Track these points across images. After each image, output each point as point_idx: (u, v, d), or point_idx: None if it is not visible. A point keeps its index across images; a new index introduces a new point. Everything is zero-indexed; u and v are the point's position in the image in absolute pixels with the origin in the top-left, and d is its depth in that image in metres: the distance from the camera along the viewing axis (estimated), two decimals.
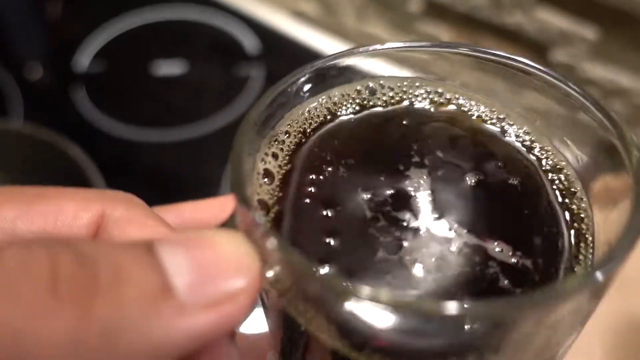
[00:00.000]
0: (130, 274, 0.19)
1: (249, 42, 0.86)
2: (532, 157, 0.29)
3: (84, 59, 0.84)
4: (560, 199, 0.28)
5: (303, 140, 0.28)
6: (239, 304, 0.20)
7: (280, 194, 0.26)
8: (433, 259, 0.25)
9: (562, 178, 0.28)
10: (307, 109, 0.29)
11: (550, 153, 0.29)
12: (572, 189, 0.28)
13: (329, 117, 0.29)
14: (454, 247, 0.25)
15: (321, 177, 0.27)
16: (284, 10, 0.89)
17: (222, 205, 0.30)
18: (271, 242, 0.21)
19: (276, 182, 0.27)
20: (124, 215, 0.25)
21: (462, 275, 0.24)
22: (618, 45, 0.65)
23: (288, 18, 0.89)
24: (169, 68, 0.83)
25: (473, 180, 0.27)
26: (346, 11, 0.84)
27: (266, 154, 0.27)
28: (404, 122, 0.29)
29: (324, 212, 0.25)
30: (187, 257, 0.20)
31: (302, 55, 0.84)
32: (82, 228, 0.24)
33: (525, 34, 0.77)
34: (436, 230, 0.25)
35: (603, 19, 0.69)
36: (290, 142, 0.28)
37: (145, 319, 0.18)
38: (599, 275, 0.20)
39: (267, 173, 0.27)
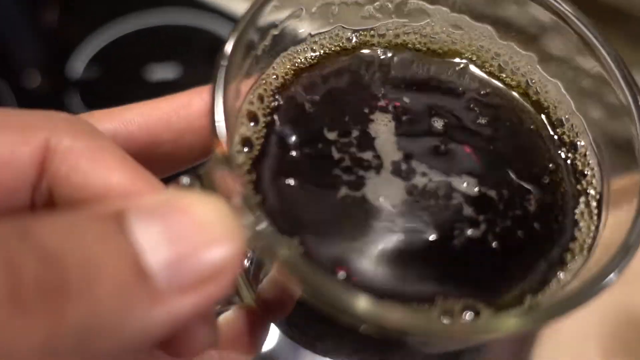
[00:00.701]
0: (100, 264, 0.16)
1: None
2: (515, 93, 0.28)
3: (78, 65, 0.84)
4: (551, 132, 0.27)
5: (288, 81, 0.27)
6: (220, 282, 0.18)
7: (263, 137, 0.25)
8: (396, 193, 0.24)
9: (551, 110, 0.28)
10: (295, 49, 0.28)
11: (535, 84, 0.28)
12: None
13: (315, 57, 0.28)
14: (419, 182, 0.25)
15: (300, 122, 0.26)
16: None
17: (185, 100, 0.27)
18: (250, 220, 0.19)
19: (261, 124, 0.25)
20: (73, 145, 0.21)
21: (427, 208, 0.24)
22: (612, 41, 0.65)
23: None
24: (163, 72, 0.82)
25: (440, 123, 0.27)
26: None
27: (252, 95, 0.26)
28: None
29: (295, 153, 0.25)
30: (162, 230, 0.17)
31: None
32: (24, 164, 0.21)
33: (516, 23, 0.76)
34: (402, 169, 0.25)
35: (598, 15, 0.69)
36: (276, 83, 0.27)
37: (119, 314, 0.16)
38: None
39: (253, 115, 0.26)
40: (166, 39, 0.86)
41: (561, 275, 0.24)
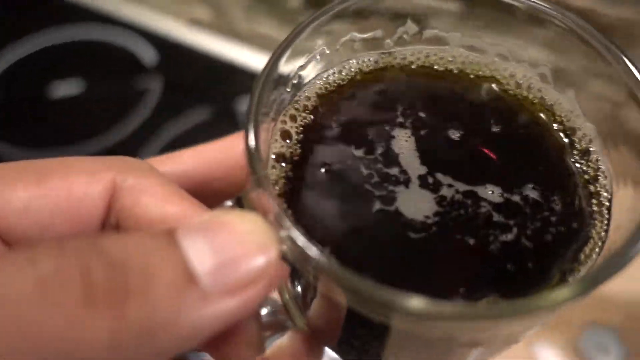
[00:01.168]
0: (157, 270, 0.19)
1: (146, 54, 0.84)
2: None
3: None
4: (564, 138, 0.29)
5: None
6: (259, 286, 0.21)
7: (298, 154, 0.28)
8: (427, 205, 0.26)
9: (563, 118, 0.30)
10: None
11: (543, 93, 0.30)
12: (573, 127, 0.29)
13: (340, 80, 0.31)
14: (447, 193, 0.27)
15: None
16: (178, 19, 0.88)
17: (232, 140, 0.30)
18: (284, 231, 0.22)
19: (294, 139, 0.28)
20: (136, 183, 0.25)
21: (457, 217, 0.26)
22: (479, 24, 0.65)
23: (183, 26, 0.87)
24: (67, 89, 0.82)
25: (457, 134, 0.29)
26: (236, 14, 0.84)
27: (284, 115, 0.29)
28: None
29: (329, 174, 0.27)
30: (207, 242, 0.20)
31: (199, 62, 0.83)
32: (95, 201, 0.25)
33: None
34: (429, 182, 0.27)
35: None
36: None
37: (174, 313, 0.19)
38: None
39: (286, 133, 0.28)
40: (68, 55, 0.86)
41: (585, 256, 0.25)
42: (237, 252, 0.20)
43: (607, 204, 0.27)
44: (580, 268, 0.25)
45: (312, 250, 0.21)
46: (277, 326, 0.31)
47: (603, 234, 0.26)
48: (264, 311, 0.31)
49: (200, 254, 0.20)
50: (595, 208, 0.27)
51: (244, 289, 0.20)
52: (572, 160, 0.28)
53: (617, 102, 0.27)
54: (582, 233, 0.26)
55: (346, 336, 0.28)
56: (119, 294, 0.18)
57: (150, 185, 0.25)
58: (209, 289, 0.20)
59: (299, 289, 0.29)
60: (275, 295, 0.31)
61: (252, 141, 0.23)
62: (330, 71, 0.30)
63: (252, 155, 0.23)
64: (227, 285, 0.20)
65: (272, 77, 0.25)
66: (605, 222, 0.27)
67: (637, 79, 0.25)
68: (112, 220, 0.26)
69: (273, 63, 0.25)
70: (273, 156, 0.27)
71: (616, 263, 0.22)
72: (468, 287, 0.24)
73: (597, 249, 0.26)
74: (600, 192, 0.27)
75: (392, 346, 0.27)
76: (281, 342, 0.31)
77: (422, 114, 0.29)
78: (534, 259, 0.25)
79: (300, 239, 0.21)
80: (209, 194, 0.29)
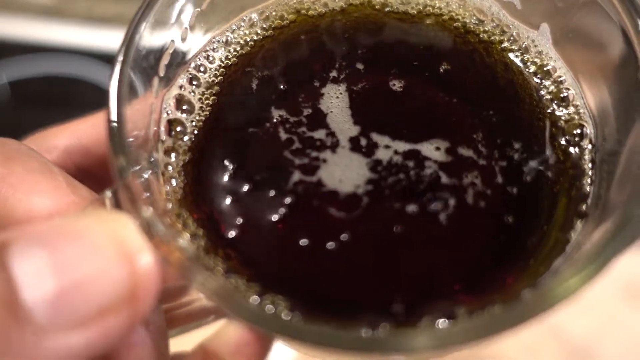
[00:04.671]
0: None
1: None
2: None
3: None
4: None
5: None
6: (122, 314, 0.16)
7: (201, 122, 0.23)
8: (358, 174, 0.21)
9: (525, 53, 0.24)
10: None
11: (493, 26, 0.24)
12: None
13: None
14: (382, 157, 0.21)
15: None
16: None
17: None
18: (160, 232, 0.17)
19: (196, 105, 0.23)
20: (1, 173, 0.20)
21: (397, 183, 0.21)
22: None
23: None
24: None
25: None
26: None
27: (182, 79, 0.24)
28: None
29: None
30: (49, 258, 0.15)
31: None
32: None
33: None
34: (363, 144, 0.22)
35: None
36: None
37: None
38: None
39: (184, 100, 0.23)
40: None
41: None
42: (88, 269, 0.15)
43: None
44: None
45: (192, 270, 0.17)
46: (213, 311, 0.25)
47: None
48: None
49: (35, 278, 0.15)
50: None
51: (96, 320, 0.15)
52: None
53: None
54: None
55: None
56: None
57: (15, 173, 0.20)
58: (47, 323, 0.15)
59: None
60: None
61: (113, 116, 0.18)
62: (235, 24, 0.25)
63: (114, 139, 0.18)
64: (72, 317, 0.15)
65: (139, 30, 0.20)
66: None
67: None
68: None
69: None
70: (163, 128, 0.22)
71: None
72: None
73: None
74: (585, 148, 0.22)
75: None
76: (222, 328, 0.25)
77: (353, 64, 0.23)
78: (501, 235, 0.20)
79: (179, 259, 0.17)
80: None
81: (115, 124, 0.18)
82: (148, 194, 0.19)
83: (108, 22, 0.78)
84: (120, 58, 0.19)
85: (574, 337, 0.47)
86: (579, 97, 0.22)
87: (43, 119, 0.73)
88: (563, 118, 0.22)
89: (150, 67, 0.21)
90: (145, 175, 0.19)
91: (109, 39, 0.75)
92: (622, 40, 0.19)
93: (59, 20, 0.78)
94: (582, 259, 0.18)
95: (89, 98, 0.71)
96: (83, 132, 0.24)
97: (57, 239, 0.16)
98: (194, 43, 0.23)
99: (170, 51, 0.22)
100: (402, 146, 0.21)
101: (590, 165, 0.21)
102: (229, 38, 0.24)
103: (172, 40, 0.22)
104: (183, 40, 0.23)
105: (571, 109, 0.22)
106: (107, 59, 0.73)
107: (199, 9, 0.23)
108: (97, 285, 0.15)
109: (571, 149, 0.21)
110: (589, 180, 0.21)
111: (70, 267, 0.15)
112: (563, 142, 0.21)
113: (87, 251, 0.16)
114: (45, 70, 0.75)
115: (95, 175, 0.24)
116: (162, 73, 0.22)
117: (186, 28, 0.23)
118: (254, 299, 0.19)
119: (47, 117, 0.73)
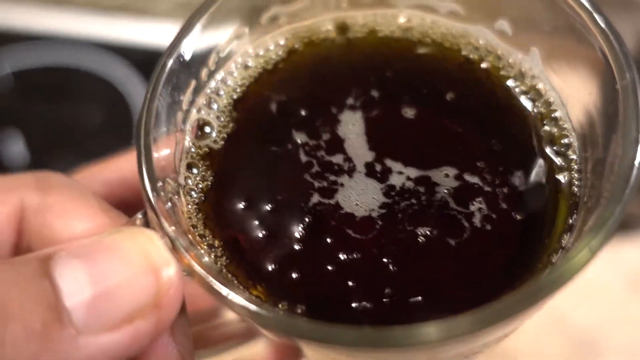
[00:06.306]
0: (16, 308, 0.17)
1: None
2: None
3: None
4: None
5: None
6: (151, 316, 0.18)
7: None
8: (373, 198, 0.23)
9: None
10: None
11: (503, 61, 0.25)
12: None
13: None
14: (396, 183, 0.23)
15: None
16: None
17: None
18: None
19: (217, 130, 0.25)
20: (42, 202, 0.23)
21: (408, 208, 0.23)
22: None
23: None
24: None
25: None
26: None
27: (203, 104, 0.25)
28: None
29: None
30: (87, 269, 0.18)
31: None
32: (3, 225, 0.22)
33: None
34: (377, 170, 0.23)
35: None
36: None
37: (34, 354, 0.17)
38: None
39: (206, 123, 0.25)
40: None
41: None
42: (119, 278, 0.18)
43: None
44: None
45: (216, 285, 0.18)
46: (244, 333, 0.27)
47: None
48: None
49: (75, 285, 0.17)
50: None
51: (126, 323, 0.18)
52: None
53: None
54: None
55: None
56: None
57: (58, 202, 0.22)
58: (83, 325, 0.17)
59: None
60: None
61: (141, 149, 0.20)
62: (251, 51, 0.26)
63: (142, 170, 0.20)
64: (105, 321, 0.17)
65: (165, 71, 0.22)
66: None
67: None
68: (25, 244, 0.23)
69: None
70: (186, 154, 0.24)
71: None
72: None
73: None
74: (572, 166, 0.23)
75: None
76: (252, 349, 0.28)
77: (368, 92, 0.25)
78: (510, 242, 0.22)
79: (200, 270, 0.18)
80: None
81: (143, 157, 0.20)
82: (173, 215, 0.20)
83: (114, 12, 0.77)
84: (149, 95, 0.21)
85: (578, 328, 0.48)
86: (566, 118, 0.24)
87: (46, 108, 0.75)
88: (558, 141, 0.23)
89: (174, 102, 0.23)
90: (171, 199, 0.21)
91: (115, 28, 0.75)
92: (601, 57, 0.21)
93: (64, 8, 0.78)
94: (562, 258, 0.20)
95: (93, 88, 0.71)
96: (123, 166, 0.27)
97: (93, 252, 0.18)
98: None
99: (193, 87, 0.24)
100: (414, 172, 0.23)
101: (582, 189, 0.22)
102: (247, 63, 0.25)
103: (195, 80, 0.24)
104: (205, 78, 0.24)
105: (563, 128, 0.23)
106: (112, 48, 0.73)
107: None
108: (127, 293, 0.18)
109: (565, 174, 0.23)
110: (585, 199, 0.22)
111: (104, 277, 0.18)
112: (558, 162, 0.23)
113: (118, 263, 0.18)
114: (49, 60, 0.75)
115: (134, 205, 0.26)
116: (185, 106, 0.23)
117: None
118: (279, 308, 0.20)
119: (51, 107, 0.75)
